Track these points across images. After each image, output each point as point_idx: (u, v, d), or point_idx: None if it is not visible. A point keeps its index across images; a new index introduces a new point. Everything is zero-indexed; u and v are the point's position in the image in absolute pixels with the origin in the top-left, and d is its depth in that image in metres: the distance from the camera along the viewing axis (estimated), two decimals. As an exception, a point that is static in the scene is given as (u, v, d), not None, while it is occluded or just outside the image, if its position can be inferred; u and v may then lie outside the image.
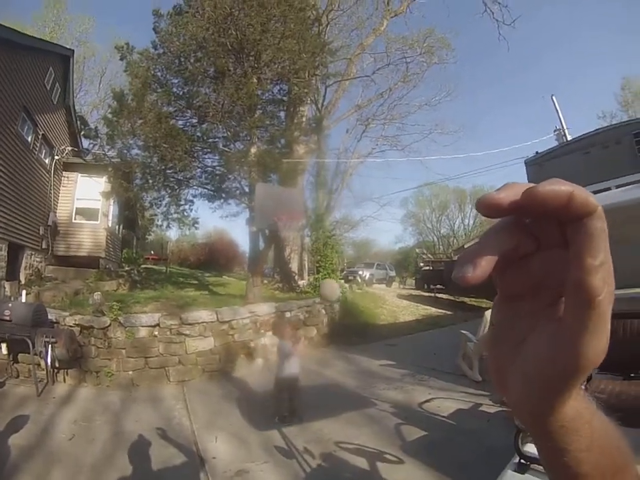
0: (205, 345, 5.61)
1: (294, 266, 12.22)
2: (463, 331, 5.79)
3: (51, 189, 10.24)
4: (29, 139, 9.10)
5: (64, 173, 11.09)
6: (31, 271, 9.04)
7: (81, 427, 3.89)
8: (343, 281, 12.05)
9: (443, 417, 3.96)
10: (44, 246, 9.73)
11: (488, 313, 4.96)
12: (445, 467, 2.91)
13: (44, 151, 10.07)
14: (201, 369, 5.54)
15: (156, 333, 5.50)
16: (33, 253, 9.27)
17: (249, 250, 9.07)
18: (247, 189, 8.42)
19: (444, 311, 12.27)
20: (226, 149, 8.53)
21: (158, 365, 5.41)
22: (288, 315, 7.00)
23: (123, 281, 9.82)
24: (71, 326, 5.38)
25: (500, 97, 53.08)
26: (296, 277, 11.89)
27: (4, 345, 5.24)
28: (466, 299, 14.66)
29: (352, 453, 3.25)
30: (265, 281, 10.78)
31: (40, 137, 9.60)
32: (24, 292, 6.35)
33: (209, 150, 8.79)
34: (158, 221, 10.29)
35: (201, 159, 8.80)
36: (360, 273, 17.93)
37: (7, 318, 4.83)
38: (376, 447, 3.25)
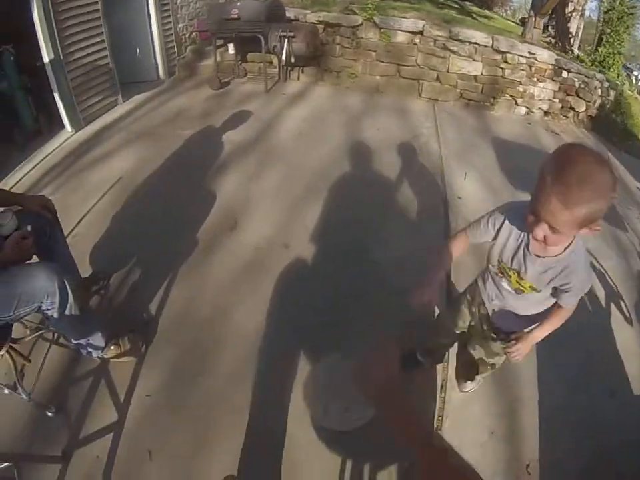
0: (470, 69, 4.90)
1: (572, 27, 9.53)
2: None
3: None
4: None
5: None
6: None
7: (310, 125, 3.78)
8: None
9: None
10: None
11: None
12: None
13: None
14: (458, 92, 5.03)
15: (417, 40, 4.83)
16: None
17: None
18: None
19: None
20: None
21: (411, 76, 4.99)
22: (565, 74, 5.55)
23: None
24: (313, 23, 4.89)
25: None
26: (571, 39, 9.44)
27: (231, 45, 5.05)
28: None
29: (596, 273, 2.86)
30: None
31: None
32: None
33: None
34: None
35: None
36: (635, 73, 14.59)
37: (235, 16, 4.43)
38: (615, 282, 2.83)
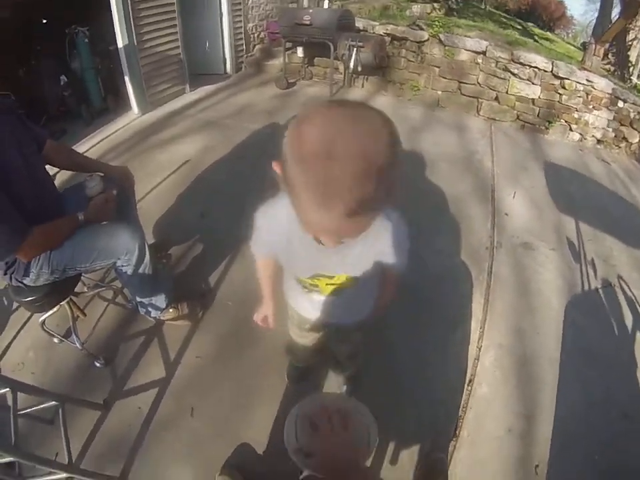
0: (528, 92, 4.98)
1: (632, 55, 9.25)
2: None
3: None
4: None
5: None
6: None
7: None
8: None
9: None
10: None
11: None
12: None
13: None
14: (515, 114, 5.13)
15: (479, 60, 4.97)
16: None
17: (598, 14, 7.32)
18: None
19: None
20: None
21: (471, 94, 5.14)
22: (620, 104, 5.55)
23: (438, 6, 8.76)
24: (380, 35, 5.07)
25: None
26: (630, 68, 9.19)
27: (300, 49, 5.25)
28: None
29: (625, 298, 2.93)
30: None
31: None
32: (326, 1, 5.90)
33: None
34: None
35: None
36: None
37: (307, 22, 4.62)
38: None
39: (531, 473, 1.77)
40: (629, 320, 2.88)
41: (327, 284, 0.98)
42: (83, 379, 1.75)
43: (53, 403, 1.36)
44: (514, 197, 3.46)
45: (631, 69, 9.12)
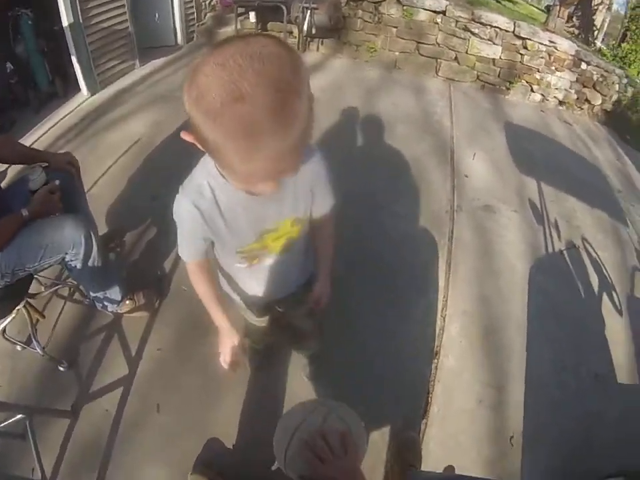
0: (489, 52, 4.84)
1: (597, 19, 9.35)
2: None
3: None
4: None
5: None
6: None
7: (326, 96, 3.76)
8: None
9: None
10: None
11: None
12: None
13: None
14: (475, 74, 4.99)
15: (438, 20, 4.75)
16: None
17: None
18: None
19: None
20: None
21: (430, 54, 4.94)
22: (584, 66, 5.52)
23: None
24: None
25: None
26: (595, 32, 9.27)
27: (252, 14, 4.96)
28: None
29: (590, 260, 2.94)
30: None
31: None
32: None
33: None
34: None
35: None
36: None
37: None
38: (609, 272, 2.92)
39: (506, 444, 1.73)
40: (594, 281, 2.84)
41: (274, 240, 0.91)
42: (50, 386, 1.69)
43: (20, 416, 1.35)
44: (474, 158, 3.35)
45: (595, 33, 9.16)
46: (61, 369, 1.72)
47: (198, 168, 0.82)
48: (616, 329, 2.57)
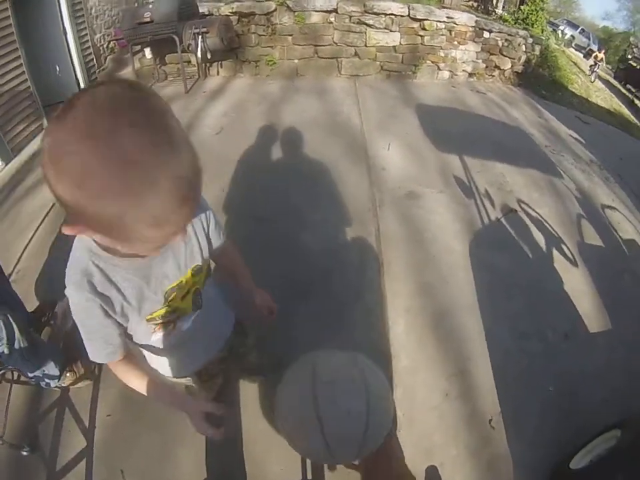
0: (388, 40, 4.84)
1: None
2: None
3: None
4: None
5: None
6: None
7: (232, 119, 3.67)
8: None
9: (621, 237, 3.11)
10: None
11: None
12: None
13: None
14: (378, 65, 4.97)
15: (332, 19, 4.73)
16: None
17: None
18: None
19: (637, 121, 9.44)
20: None
21: (329, 55, 4.90)
22: (486, 34, 5.66)
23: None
24: (227, 15, 4.74)
25: None
26: (494, 1, 9.61)
27: (147, 50, 4.88)
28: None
29: (531, 220, 2.87)
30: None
31: None
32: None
33: None
34: None
35: None
36: (561, 28, 15.83)
37: (148, 19, 4.24)
38: (554, 227, 2.88)
39: (486, 429, 1.66)
40: (541, 240, 2.77)
41: (181, 299, 0.84)
42: (16, 472, 1.63)
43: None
44: (389, 148, 3.26)
45: (494, 1, 9.44)
46: (24, 453, 1.68)
47: (74, 253, 0.72)
48: (575, 281, 2.52)
